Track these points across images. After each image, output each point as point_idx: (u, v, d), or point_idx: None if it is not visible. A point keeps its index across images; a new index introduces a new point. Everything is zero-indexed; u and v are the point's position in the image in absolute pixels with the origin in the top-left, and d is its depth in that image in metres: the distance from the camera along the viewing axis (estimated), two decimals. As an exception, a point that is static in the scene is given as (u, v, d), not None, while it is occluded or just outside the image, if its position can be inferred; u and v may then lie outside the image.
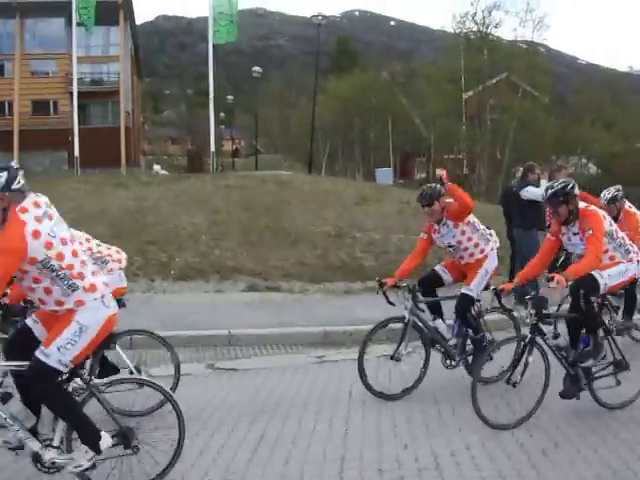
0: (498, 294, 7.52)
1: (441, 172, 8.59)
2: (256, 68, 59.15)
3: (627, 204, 10.39)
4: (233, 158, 71.99)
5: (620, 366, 7.50)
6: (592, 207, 7.40)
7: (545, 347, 7.20)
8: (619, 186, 10.55)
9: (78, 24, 37.52)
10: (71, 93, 49.17)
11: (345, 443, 6.68)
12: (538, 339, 7.13)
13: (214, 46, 37.52)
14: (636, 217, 10.25)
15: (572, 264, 8.16)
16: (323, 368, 9.68)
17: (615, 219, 9.72)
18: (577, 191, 7.30)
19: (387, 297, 8.48)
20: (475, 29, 65.98)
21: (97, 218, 19.23)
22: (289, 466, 6.17)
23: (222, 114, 65.91)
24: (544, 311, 7.19)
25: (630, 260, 7.43)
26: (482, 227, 8.83)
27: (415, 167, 74.45)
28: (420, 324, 8.52)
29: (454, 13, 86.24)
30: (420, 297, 8.57)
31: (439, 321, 8.65)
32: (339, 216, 20.07)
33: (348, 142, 76.68)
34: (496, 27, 66.91)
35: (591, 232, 7.07)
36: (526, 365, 7.02)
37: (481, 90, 63.46)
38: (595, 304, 7.51)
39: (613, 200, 10.23)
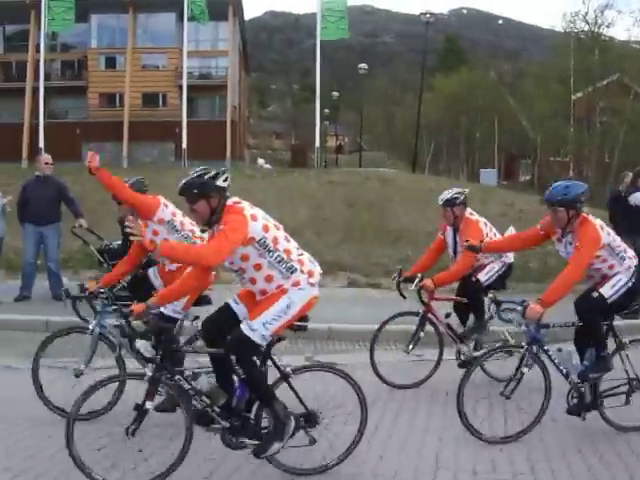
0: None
1: (90, 158, 7.34)
2: (362, 65, 59.17)
3: (468, 211, 9.03)
4: (337, 154, 72.17)
5: None
6: (242, 204, 5.58)
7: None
8: (465, 190, 9.34)
9: (190, 19, 38.35)
10: (180, 86, 50.21)
11: (440, 444, 6.64)
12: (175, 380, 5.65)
13: (321, 42, 37.74)
14: (476, 225, 8.89)
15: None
16: (421, 366, 9.34)
17: (456, 227, 8.96)
18: (223, 183, 5.59)
19: None
20: (586, 29, 64.40)
21: (203, 209, 19.64)
22: (383, 462, 6.21)
23: (327, 110, 66.17)
24: (175, 345, 5.81)
25: (296, 284, 5.62)
26: (189, 229, 7.53)
27: (520, 169, 73.33)
28: (112, 338, 7.22)
29: (564, 12, 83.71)
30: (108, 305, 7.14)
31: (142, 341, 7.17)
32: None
33: (453, 141, 76.09)
34: (608, 27, 65.32)
35: (222, 227, 5.42)
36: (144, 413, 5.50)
37: (591, 91, 61.88)
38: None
39: (450, 203, 8.81)
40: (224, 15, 52.70)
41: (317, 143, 38.65)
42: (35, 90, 50.42)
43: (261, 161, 61.89)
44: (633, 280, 6.95)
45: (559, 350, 6.98)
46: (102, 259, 12.24)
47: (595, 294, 6.94)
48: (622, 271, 6.97)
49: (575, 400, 6.89)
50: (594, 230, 6.77)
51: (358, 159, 64.95)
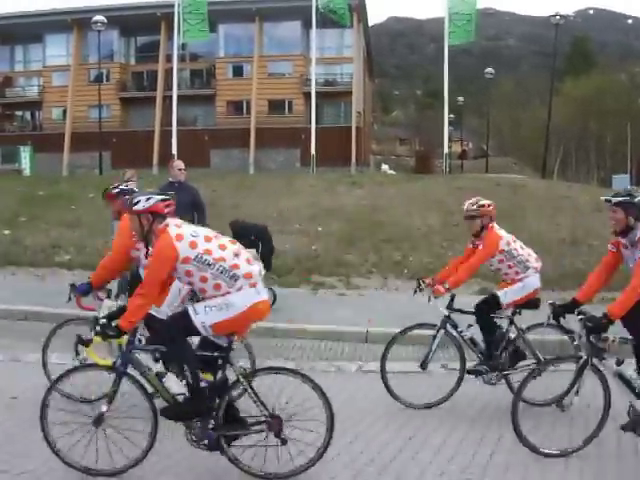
0: None
1: None
2: (489, 69, 58.32)
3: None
4: (462, 160, 71.38)
5: None
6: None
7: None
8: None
9: (323, 25, 39.08)
10: (305, 93, 50.86)
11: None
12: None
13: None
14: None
15: None
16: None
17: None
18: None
19: None
20: None
21: (333, 215, 19.80)
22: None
23: (451, 115, 65.95)
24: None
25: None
26: None
27: (653, 174, 71.13)
28: None
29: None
30: None
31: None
32: (575, 223, 19.49)
33: (582, 146, 74.32)
34: None
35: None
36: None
37: None
38: None
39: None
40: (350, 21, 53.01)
41: (446, 149, 38.28)
42: (165, 98, 51.98)
43: (385, 167, 61.87)
44: None
45: None
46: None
47: None
48: None
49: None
50: None
51: (482, 165, 64.07)
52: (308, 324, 11.90)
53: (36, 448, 5.96)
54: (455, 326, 8.26)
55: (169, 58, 48.47)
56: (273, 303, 12.84)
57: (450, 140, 43.66)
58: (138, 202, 5.79)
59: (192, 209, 13.05)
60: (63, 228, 19.30)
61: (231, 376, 5.90)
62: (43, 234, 18.74)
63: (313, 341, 11.27)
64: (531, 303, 8.16)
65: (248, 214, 18.09)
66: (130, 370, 5.83)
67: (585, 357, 6.25)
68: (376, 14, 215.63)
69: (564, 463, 6.21)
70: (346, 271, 15.57)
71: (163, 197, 5.90)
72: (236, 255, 5.79)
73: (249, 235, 12.41)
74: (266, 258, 12.52)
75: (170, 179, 13.33)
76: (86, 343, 5.85)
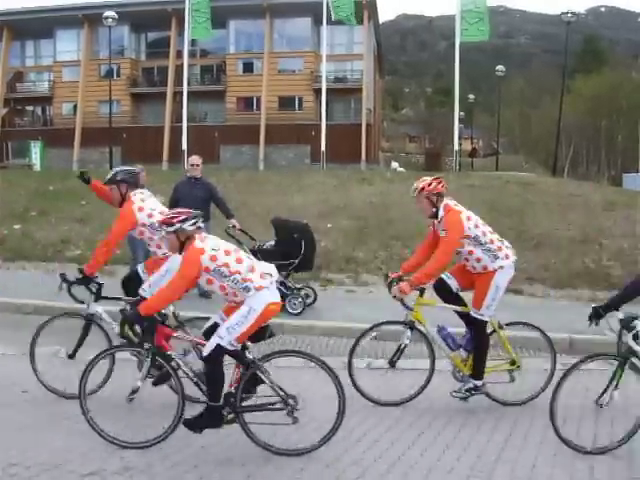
0: None
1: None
2: (500, 67, 58.12)
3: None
4: (472, 158, 71.19)
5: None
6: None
7: None
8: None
9: (334, 22, 38.90)
10: (315, 90, 50.85)
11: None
12: None
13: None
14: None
15: None
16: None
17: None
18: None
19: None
20: None
21: (342, 211, 19.79)
22: (536, 469, 6.09)
23: (462, 113, 66.02)
24: None
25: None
26: None
27: (665, 173, 70.80)
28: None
29: None
30: None
31: None
32: (585, 221, 19.38)
33: (593, 144, 74.04)
34: None
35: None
36: None
37: None
38: None
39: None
40: (359, 19, 52.96)
41: (457, 147, 38.18)
42: (175, 94, 52.10)
43: (395, 164, 61.74)
44: None
45: None
46: (255, 259, 12.42)
47: None
48: None
49: None
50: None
51: (492, 163, 63.89)
52: (317, 320, 11.92)
53: (46, 441, 5.98)
54: None
55: (179, 54, 48.52)
56: (314, 302, 12.79)
57: (460, 138, 43.53)
58: None
59: (208, 203, 13.16)
60: (73, 223, 19.35)
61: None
62: (53, 229, 18.79)
63: (322, 337, 11.27)
64: None
65: (258, 210, 18.14)
66: None
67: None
68: (386, 11, 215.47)
69: (572, 464, 6.19)
70: (355, 268, 15.58)
71: None
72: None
73: (292, 233, 12.35)
74: (309, 257, 12.44)
75: (187, 175, 13.59)
76: None
